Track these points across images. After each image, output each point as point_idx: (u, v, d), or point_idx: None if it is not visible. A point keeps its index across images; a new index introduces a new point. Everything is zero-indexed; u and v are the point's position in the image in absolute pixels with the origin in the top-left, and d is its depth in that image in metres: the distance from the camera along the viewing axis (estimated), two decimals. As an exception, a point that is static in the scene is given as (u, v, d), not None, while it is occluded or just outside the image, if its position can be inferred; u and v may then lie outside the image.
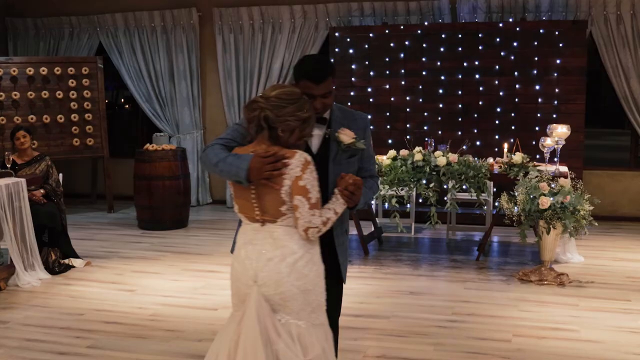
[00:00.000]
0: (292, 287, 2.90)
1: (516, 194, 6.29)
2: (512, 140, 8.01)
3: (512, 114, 8.72)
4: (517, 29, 8.63)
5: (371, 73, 9.10)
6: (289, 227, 2.93)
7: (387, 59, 9.02)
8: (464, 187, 6.86)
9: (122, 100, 13.29)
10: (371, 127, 8.88)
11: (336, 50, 9.17)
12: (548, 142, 6.81)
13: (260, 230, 2.96)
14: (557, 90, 8.59)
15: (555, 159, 6.95)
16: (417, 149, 6.83)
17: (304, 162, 2.86)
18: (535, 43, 8.57)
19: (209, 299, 5.72)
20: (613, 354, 4.50)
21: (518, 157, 6.68)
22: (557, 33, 8.50)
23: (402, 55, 8.97)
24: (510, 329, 4.96)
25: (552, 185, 6.16)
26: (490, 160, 6.93)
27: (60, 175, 7.20)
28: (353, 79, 9.16)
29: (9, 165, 6.67)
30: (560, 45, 8.50)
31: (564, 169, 6.88)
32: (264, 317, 2.90)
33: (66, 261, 6.78)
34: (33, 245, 6.38)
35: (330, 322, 3.13)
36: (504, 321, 5.12)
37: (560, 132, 6.81)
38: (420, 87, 8.97)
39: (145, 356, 4.48)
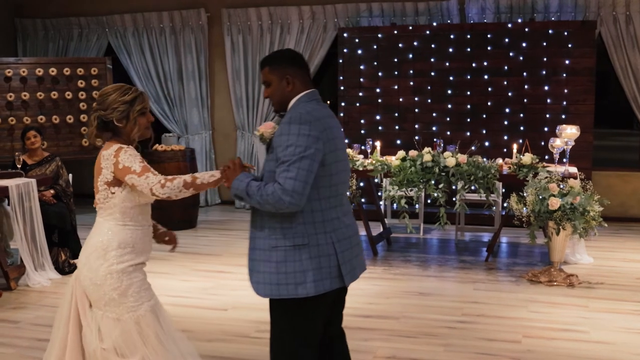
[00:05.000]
0: (85, 278, 3.18)
1: (525, 194, 6.29)
2: (520, 140, 8.00)
3: (521, 115, 8.71)
4: (526, 29, 8.62)
5: (380, 74, 9.10)
6: (101, 219, 3.24)
7: (395, 60, 9.02)
8: (472, 187, 6.86)
9: (131, 100, 13.34)
10: (380, 128, 9.02)
11: (345, 50, 9.17)
12: (557, 143, 6.80)
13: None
14: (565, 90, 8.57)
15: (565, 160, 6.94)
16: (426, 149, 6.82)
17: (116, 149, 3.15)
18: (544, 43, 8.55)
19: (218, 299, 5.74)
20: (623, 355, 4.49)
21: (527, 157, 6.67)
22: (566, 33, 8.49)
23: (410, 55, 8.97)
24: (520, 330, 4.95)
25: (562, 186, 6.15)
26: (500, 160, 6.92)
27: (70, 175, 7.23)
28: (362, 79, 9.16)
29: (19, 166, 6.70)
30: (569, 45, 8.48)
31: (573, 169, 6.86)
32: (76, 300, 3.22)
33: (76, 261, 6.75)
34: (43, 246, 6.41)
35: None
36: (514, 322, 5.12)
37: (569, 132, 6.80)
38: (429, 87, 8.97)
39: (156, 356, 4.49)
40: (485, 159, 6.87)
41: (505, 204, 7.34)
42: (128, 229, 3.24)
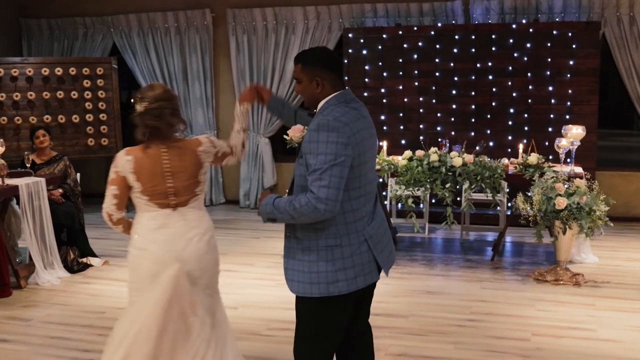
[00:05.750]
0: (209, 262, 3.49)
1: (532, 194, 6.33)
2: (525, 141, 8.04)
3: (525, 115, 8.75)
4: (530, 30, 8.66)
5: (384, 74, 9.14)
6: (198, 210, 3.53)
7: (400, 60, 9.06)
8: (478, 187, 6.89)
9: (135, 100, 13.35)
10: (385, 128, 9.06)
11: (349, 51, 9.21)
12: (563, 143, 6.85)
13: (172, 214, 3.45)
14: (570, 91, 8.61)
15: (570, 160, 6.98)
16: (433, 149, 6.86)
17: (209, 143, 3.60)
18: (548, 44, 8.59)
19: (228, 298, 5.69)
20: (631, 353, 4.54)
21: (533, 157, 6.72)
22: (570, 34, 8.53)
23: (415, 56, 9.01)
24: (528, 328, 5.00)
25: (567, 186, 6.19)
26: (505, 160, 6.97)
27: (78, 175, 7.27)
28: (366, 79, 9.20)
29: (28, 165, 6.73)
30: (573, 46, 8.52)
31: (578, 169, 6.91)
32: (179, 295, 3.33)
33: (84, 260, 6.85)
34: (52, 244, 6.45)
35: None
36: (522, 320, 5.16)
37: (575, 133, 6.85)
38: (434, 87, 9.01)
39: (169, 354, 4.52)
40: (490, 159, 6.92)
41: (510, 204, 7.37)
42: None
